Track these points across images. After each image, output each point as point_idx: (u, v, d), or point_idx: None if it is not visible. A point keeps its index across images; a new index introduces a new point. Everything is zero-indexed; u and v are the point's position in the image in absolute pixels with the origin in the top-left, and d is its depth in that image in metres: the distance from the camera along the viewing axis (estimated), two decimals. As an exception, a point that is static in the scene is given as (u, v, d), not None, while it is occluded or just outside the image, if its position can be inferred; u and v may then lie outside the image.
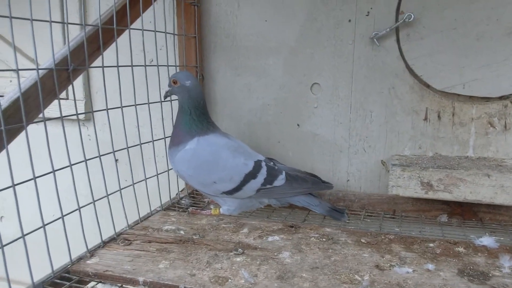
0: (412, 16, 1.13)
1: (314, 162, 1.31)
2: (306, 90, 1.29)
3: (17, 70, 0.80)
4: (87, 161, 0.95)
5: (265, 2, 1.28)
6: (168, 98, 1.15)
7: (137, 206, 1.09)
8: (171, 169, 1.22)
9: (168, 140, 1.16)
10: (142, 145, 1.13)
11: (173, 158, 1.09)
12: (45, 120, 0.85)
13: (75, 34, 0.97)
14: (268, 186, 1.07)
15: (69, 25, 0.91)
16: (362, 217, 1.18)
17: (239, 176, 1.05)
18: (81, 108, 1.50)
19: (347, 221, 1.10)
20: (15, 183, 0.78)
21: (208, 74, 1.37)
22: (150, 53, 1.24)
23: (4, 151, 0.78)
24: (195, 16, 1.31)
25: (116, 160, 1.04)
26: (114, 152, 1.02)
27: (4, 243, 0.74)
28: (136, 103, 1.09)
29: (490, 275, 0.79)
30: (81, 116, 1.51)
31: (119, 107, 1.04)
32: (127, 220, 1.05)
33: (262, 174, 1.07)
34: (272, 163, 1.10)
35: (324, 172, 1.30)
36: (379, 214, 1.19)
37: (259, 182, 1.06)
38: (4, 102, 0.79)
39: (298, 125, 1.31)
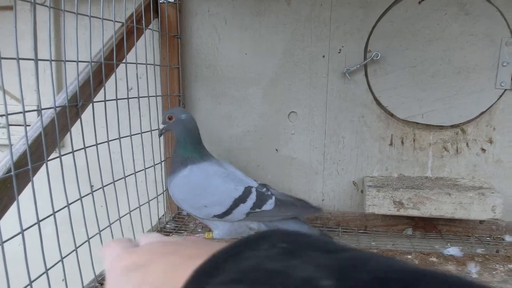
0: (379, 54, 1.29)
1: (292, 184, 1.43)
2: (284, 118, 1.40)
3: (40, 110, 0.82)
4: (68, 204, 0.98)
5: (245, 37, 1.38)
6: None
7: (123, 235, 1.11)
8: (158, 195, 1.26)
9: (149, 170, 1.21)
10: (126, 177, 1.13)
11: (169, 184, 1.16)
12: (61, 156, 0.88)
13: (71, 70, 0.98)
14: (257, 210, 1.15)
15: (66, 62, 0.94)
16: (339, 233, 1.31)
17: (229, 200, 1.13)
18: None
19: None
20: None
21: (190, 102, 1.44)
22: (130, 82, 1.27)
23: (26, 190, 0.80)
24: (178, 48, 1.38)
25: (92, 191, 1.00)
26: (103, 187, 1.02)
27: None
28: (120, 136, 1.11)
29: (463, 280, 0.95)
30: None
31: (106, 142, 1.05)
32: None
33: (252, 198, 1.15)
34: (265, 188, 1.19)
35: (301, 192, 1.42)
36: (353, 230, 1.33)
37: (248, 206, 1.14)
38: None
39: (276, 150, 1.42)
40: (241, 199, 1.14)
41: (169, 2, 1.36)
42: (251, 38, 1.39)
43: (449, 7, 1.26)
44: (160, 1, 1.34)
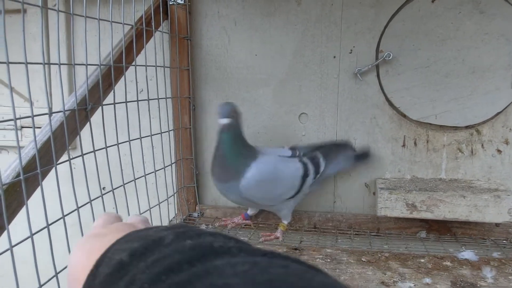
0: (391, 54, 1.27)
1: (303, 186, 1.41)
2: (294, 119, 1.39)
3: (50, 114, 0.83)
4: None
5: (255, 38, 1.37)
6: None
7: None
8: (164, 201, 1.26)
9: (159, 172, 1.22)
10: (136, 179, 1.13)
11: (237, 189, 1.16)
12: (70, 160, 0.88)
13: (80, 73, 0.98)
14: (317, 175, 1.22)
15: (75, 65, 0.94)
16: (351, 236, 1.29)
17: (297, 181, 1.20)
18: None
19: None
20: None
21: (200, 104, 1.43)
22: (140, 84, 1.27)
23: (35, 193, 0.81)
24: (188, 50, 1.37)
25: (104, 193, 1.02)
26: (113, 190, 1.03)
27: None
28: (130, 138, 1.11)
29: (478, 285, 0.93)
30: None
31: (115, 144, 1.05)
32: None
33: (310, 169, 1.21)
34: (300, 152, 1.24)
35: (312, 194, 1.40)
36: (365, 232, 1.31)
37: (312, 177, 1.22)
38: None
39: (287, 151, 1.41)
40: (305, 174, 1.20)
41: (179, 3, 1.36)
42: (261, 39, 1.38)
43: (463, 5, 1.23)
44: (170, 3, 1.34)
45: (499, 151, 1.27)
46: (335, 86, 1.34)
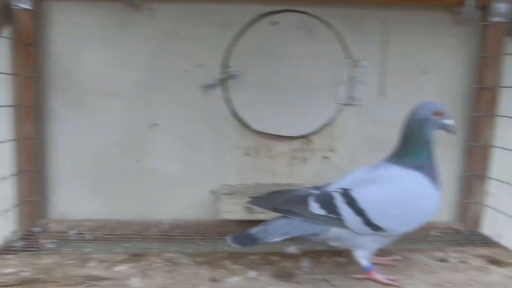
0: (237, 71, 1.38)
1: (153, 194, 1.44)
2: (146, 130, 1.42)
3: None
4: None
5: (108, 48, 1.39)
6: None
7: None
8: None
9: None
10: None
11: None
12: None
13: None
14: None
15: None
16: (198, 240, 1.35)
17: None
18: None
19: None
20: None
21: (47, 113, 1.39)
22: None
23: None
24: (34, 57, 1.33)
25: None
26: None
27: None
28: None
29: (294, 274, 1.05)
30: None
31: None
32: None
33: None
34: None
35: (162, 203, 1.44)
36: (212, 237, 1.38)
37: None
38: None
39: (138, 161, 1.43)
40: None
41: (25, 8, 1.31)
42: (113, 50, 1.39)
43: (298, 30, 1.40)
44: (13, 8, 1.29)
45: (326, 158, 1.45)
46: (185, 98, 1.41)
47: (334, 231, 0.96)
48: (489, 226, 1.39)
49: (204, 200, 1.45)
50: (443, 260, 1.15)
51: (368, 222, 0.94)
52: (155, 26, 1.39)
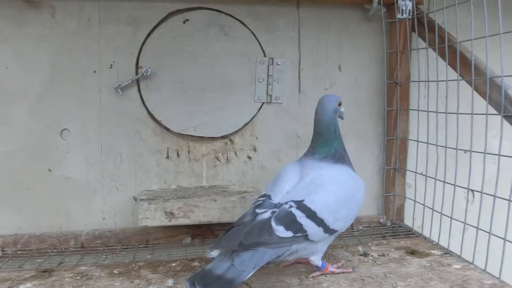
0: (149, 70, 1.33)
1: (69, 205, 1.35)
2: (55, 136, 1.32)
3: None
4: None
5: (5, 48, 1.27)
6: None
7: None
8: None
9: None
10: None
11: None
12: None
13: None
14: None
15: None
16: (118, 250, 1.28)
17: None
18: None
19: None
20: None
21: None
22: None
23: None
24: None
25: None
26: None
27: None
28: None
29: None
30: None
31: None
32: None
33: None
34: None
35: (79, 213, 1.35)
36: (134, 246, 1.32)
37: None
38: None
39: (49, 170, 1.33)
40: None
41: None
42: (12, 50, 1.28)
43: (211, 27, 1.37)
44: None
45: (249, 157, 1.43)
46: (97, 100, 1.33)
47: (295, 247, 0.93)
48: (411, 217, 1.44)
49: (125, 207, 1.38)
50: (365, 254, 1.17)
51: (327, 229, 0.94)
52: (57, 25, 1.30)
